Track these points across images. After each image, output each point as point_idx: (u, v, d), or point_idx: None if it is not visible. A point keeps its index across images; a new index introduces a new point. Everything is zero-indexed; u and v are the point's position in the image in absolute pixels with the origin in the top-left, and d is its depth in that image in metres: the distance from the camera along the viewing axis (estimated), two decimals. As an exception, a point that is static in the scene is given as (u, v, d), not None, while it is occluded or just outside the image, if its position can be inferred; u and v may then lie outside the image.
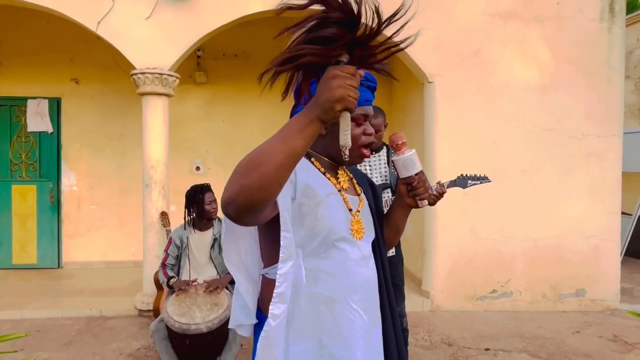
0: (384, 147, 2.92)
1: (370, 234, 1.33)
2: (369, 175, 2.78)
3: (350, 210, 1.27)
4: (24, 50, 6.02)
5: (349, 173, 1.40)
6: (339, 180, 1.30)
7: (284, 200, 1.08)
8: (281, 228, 1.08)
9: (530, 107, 4.77)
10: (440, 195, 2.68)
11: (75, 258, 6.14)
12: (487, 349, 3.79)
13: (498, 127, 4.75)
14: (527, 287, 4.80)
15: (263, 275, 1.27)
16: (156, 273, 3.52)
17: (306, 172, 1.21)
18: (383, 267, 1.37)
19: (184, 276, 3.24)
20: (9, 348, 2.03)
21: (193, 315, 2.80)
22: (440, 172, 4.51)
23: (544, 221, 4.78)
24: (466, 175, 2.72)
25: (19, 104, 6.05)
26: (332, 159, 1.30)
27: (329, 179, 1.27)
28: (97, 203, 6.19)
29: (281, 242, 1.08)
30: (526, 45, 4.77)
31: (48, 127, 6.05)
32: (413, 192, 1.32)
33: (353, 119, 1.21)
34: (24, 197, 6.08)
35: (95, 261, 6.14)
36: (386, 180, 2.85)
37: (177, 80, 4.52)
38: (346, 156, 1.02)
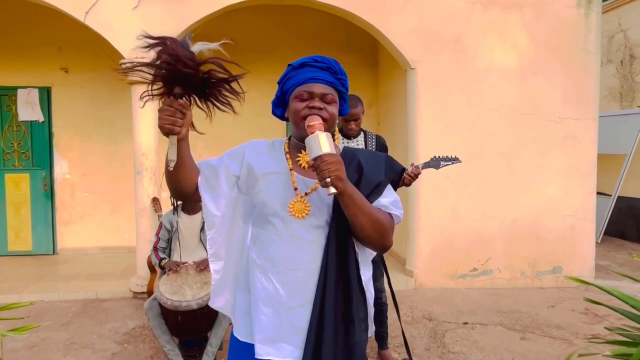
0: (362, 132, 3.07)
1: (318, 217, 1.31)
2: None
3: (296, 189, 1.33)
4: (13, 39, 6.05)
5: None
6: (297, 160, 1.37)
7: (210, 183, 1.38)
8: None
9: (509, 91, 4.93)
10: (415, 176, 2.85)
11: (70, 244, 6.27)
12: (465, 323, 4.00)
13: (478, 112, 4.91)
14: (506, 265, 5.01)
15: None
16: (149, 256, 3.67)
17: (255, 153, 1.42)
18: (328, 254, 1.29)
19: (175, 258, 3.40)
20: (9, 326, 2.18)
21: (184, 293, 2.96)
22: (422, 155, 4.67)
23: (522, 202, 4.98)
24: (439, 156, 2.89)
25: (9, 93, 6.11)
26: (298, 141, 1.40)
27: (287, 159, 1.38)
28: (90, 190, 6.30)
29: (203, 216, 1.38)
30: (506, 31, 4.91)
31: (39, 116, 6.13)
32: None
33: (296, 96, 1.34)
34: (17, 186, 6.18)
35: (89, 247, 6.28)
36: None
37: (166, 69, 4.61)
38: (170, 167, 1.25)
